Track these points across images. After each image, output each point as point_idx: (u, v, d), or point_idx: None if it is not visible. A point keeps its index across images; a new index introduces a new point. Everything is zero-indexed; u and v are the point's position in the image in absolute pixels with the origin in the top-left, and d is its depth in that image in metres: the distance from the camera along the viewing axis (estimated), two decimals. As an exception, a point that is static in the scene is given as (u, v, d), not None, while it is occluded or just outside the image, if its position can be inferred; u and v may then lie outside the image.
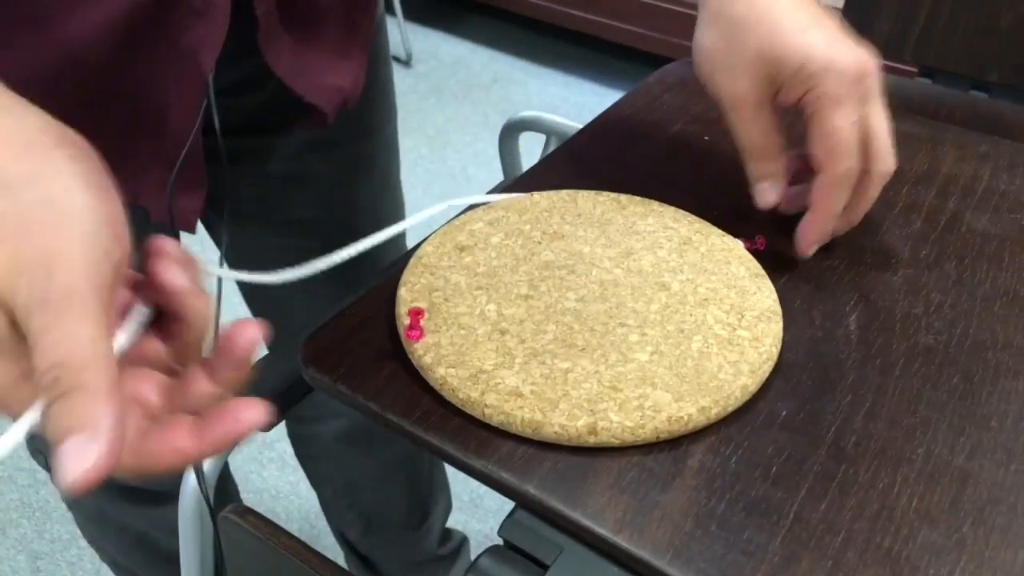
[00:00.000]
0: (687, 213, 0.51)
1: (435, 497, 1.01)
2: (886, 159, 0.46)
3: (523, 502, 0.38)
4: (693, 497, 0.37)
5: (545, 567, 0.36)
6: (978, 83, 1.05)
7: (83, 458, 0.25)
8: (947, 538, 0.36)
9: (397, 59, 2.39)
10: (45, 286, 0.26)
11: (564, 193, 0.53)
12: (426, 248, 0.48)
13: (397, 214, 0.78)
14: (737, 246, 0.49)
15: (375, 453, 0.92)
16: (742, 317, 0.44)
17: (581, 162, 0.58)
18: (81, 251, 0.27)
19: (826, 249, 0.51)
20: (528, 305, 0.44)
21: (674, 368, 0.41)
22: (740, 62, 0.46)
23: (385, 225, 0.83)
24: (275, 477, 1.35)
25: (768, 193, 0.49)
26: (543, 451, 0.39)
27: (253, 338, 0.30)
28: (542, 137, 0.73)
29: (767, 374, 0.42)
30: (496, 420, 0.39)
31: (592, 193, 0.53)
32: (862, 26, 1.09)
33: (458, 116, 2.20)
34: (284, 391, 0.49)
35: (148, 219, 0.55)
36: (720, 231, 0.50)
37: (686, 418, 0.39)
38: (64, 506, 1.29)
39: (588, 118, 0.63)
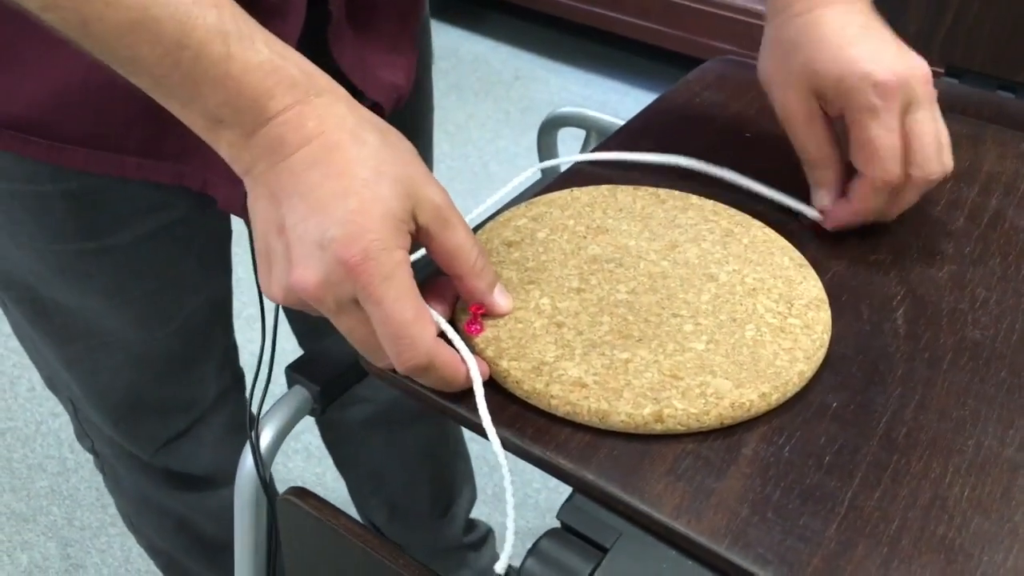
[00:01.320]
0: (726, 206, 0.52)
1: (459, 486, 1.02)
2: (925, 165, 0.47)
3: (581, 487, 0.38)
4: (748, 484, 0.38)
5: (604, 550, 0.36)
6: (1005, 83, 1.05)
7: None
8: (999, 527, 0.36)
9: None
10: (446, 201, 0.40)
11: (604, 188, 0.53)
12: None
13: None
14: (779, 238, 0.50)
15: (399, 439, 0.94)
16: (792, 306, 0.45)
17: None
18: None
19: (871, 245, 0.51)
20: (581, 298, 0.45)
21: (731, 356, 0.42)
22: (788, 79, 0.49)
23: None
24: (301, 468, 1.37)
25: (822, 198, 0.51)
26: (599, 438, 0.40)
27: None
28: (579, 133, 0.74)
29: (821, 360, 0.43)
30: (562, 411, 0.40)
31: (631, 188, 0.53)
32: (890, 25, 1.09)
33: (479, 113, 2.21)
34: (335, 378, 0.50)
35: (215, 205, 0.56)
36: (760, 223, 0.51)
37: (748, 404, 0.40)
38: (94, 495, 1.31)
39: (611, 116, 0.64)
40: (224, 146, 0.39)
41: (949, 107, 0.68)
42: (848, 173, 0.51)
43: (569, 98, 2.27)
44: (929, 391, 0.42)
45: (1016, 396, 0.42)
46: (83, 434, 0.78)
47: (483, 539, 1.09)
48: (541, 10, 2.40)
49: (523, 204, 0.52)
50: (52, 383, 0.74)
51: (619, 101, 2.23)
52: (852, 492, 0.38)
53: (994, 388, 0.43)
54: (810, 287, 0.46)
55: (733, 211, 0.52)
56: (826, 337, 0.44)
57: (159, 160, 0.54)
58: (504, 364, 0.41)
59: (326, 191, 0.37)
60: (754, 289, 0.46)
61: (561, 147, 0.77)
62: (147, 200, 0.58)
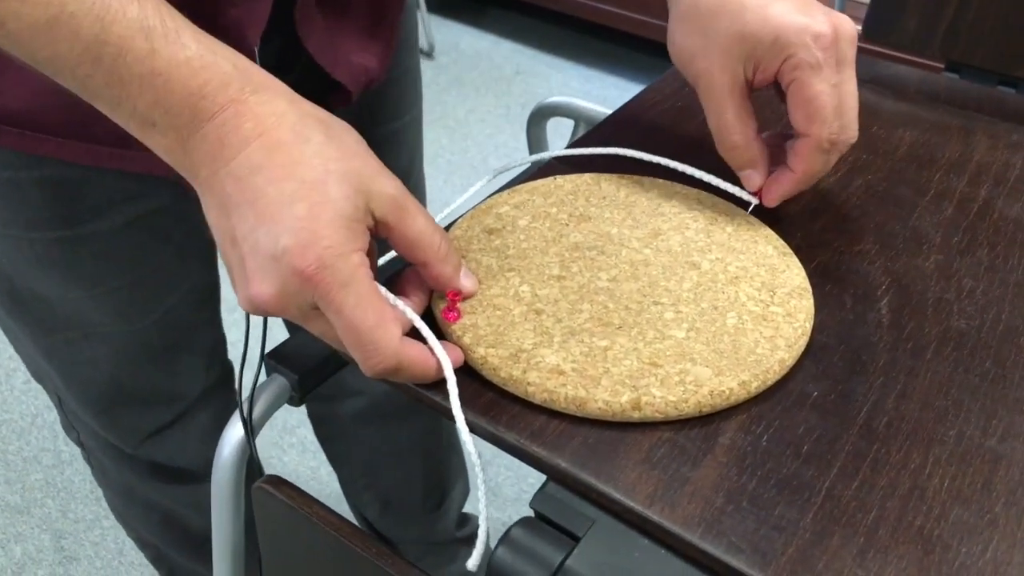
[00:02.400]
0: (710, 195, 0.51)
1: (452, 480, 1.02)
2: (851, 127, 0.45)
3: (555, 475, 0.38)
4: (724, 473, 0.37)
5: (577, 538, 0.36)
6: (1006, 79, 1.04)
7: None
8: (979, 518, 0.36)
9: (420, 51, 2.39)
10: (400, 190, 0.39)
11: (587, 176, 0.53)
12: (455, 232, 0.49)
13: (419, 194, 0.79)
14: (763, 227, 0.49)
15: (392, 433, 0.93)
16: (774, 294, 0.44)
17: (608, 147, 0.58)
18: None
19: (857, 234, 0.51)
20: (561, 285, 0.45)
21: (711, 344, 0.41)
22: (715, 47, 0.46)
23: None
24: (295, 462, 1.36)
25: (752, 178, 0.49)
26: (574, 426, 0.39)
27: None
28: (569, 124, 0.74)
29: (803, 349, 0.42)
30: (539, 398, 0.39)
31: (615, 176, 0.53)
32: (889, 19, 1.08)
33: (479, 108, 2.21)
34: (314, 367, 0.49)
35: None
36: (744, 211, 0.50)
37: (727, 392, 0.39)
38: (88, 487, 1.31)
39: (599, 106, 0.63)
40: (162, 151, 0.38)
41: (949, 102, 0.67)
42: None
43: (570, 93, 2.24)
44: (912, 381, 0.42)
45: (1000, 387, 0.42)
46: (69, 426, 0.78)
47: (476, 533, 1.09)
48: (543, 5, 2.39)
49: (505, 191, 0.52)
50: (37, 375, 0.74)
51: (619, 97, 2.22)
52: (830, 482, 0.37)
53: (978, 378, 0.42)
54: (793, 275, 0.46)
55: (718, 199, 0.51)
56: (808, 325, 0.43)
57: (133, 149, 0.54)
58: (481, 351, 0.41)
59: (272, 197, 0.35)
60: (736, 277, 0.45)
61: (556, 139, 0.77)
62: (123, 189, 0.57)
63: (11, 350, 1.54)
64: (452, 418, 0.39)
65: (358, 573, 0.41)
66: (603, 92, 2.26)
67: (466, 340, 0.41)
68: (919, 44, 1.08)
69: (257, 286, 0.36)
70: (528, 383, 0.40)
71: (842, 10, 1.35)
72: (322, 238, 0.35)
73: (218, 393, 0.78)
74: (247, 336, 0.50)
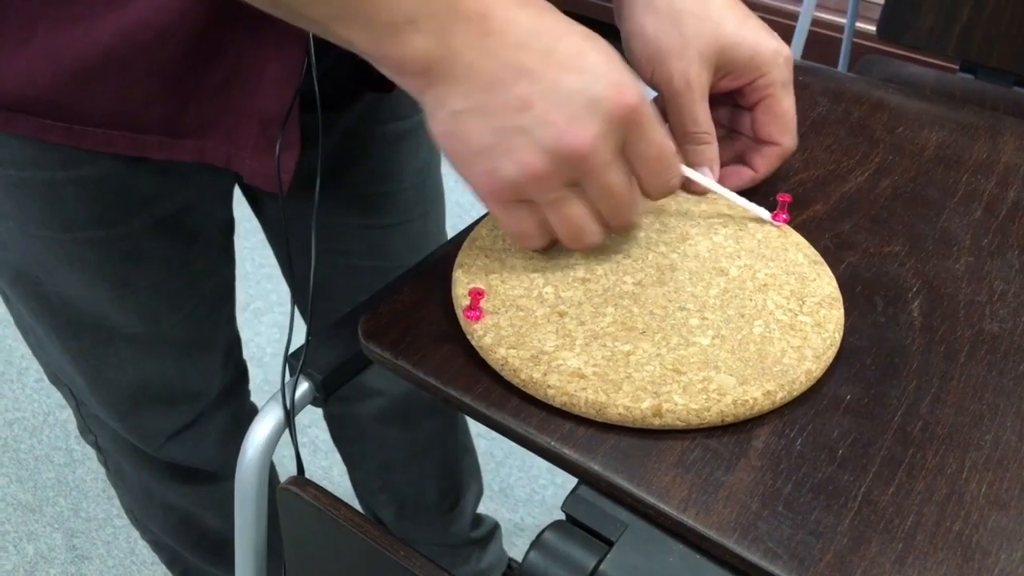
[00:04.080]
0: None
1: (467, 482, 1.02)
2: (795, 137, 0.51)
3: (587, 478, 0.37)
4: (759, 478, 0.37)
5: (610, 543, 0.36)
6: (1022, 79, 1.03)
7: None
8: (1018, 523, 0.35)
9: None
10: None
11: None
12: (480, 231, 0.48)
13: (438, 192, 0.79)
14: (794, 233, 0.49)
15: (409, 434, 0.93)
16: (803, 303, 0.44)
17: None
18: None
19: (887, 236, 0.50)
20: (586, 288, 0.44)
21: (736, 352, 0.41)
22: (692, 49, 0.48)
23: (428, 203, 0.83)
24: (307, 462, 1.36)
25: (708, 175, 0.51)
26: (604, 431, 0.39)
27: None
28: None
29: (831, 360, 0.42)
30: (559, 401, 0.39)
31: None
32: (903, 20, 1.08)
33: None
34: (338, 368, 0.49)
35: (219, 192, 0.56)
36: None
37: (751, 402, 0.39)
38: (100, 486, 1.31)
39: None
40: (415, 53, 0.37)
41: (965, 102, 0.67)
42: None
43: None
44: (945, 384, 0.41)
45: (1035, 390, 0.41)
46: (86, 429, 0.77)
47: (490, 534, 1.08)
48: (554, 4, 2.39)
49: None
50: (55, 377, 0.74)
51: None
52: (866, 487, 0.37)
53: (1012, 382, 0.42)
54: (824, 284, 0.45)
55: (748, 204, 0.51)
56: (837, 336, 0.43)
57: (181, 138, 0.53)
58: (502, 352, 0.40)
59: (564, 52, 0.38)
60: (765, 285, 0.45)
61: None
62: (156, 186, 0.57)
63: (23, 349, 1.55)
64: (486, 421, 0.39)
65: (384, 574, 0.40)
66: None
67: (487, 340, 0.41)
68: (934, 44, 1.07)
69: (578, 131, 0.38)
70: (548, 386, 0.39)
71: (855, 10, 1.35)
72: (629, 81, 0.38)
73: (235, 393, 0.78)
74: (292, 322, 0.50)
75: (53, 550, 1.23)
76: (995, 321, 0.45)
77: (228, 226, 0.69)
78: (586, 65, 0.38)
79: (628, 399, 0.38)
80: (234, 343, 0.77)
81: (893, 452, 0.38)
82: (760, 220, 0.49)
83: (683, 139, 0.50)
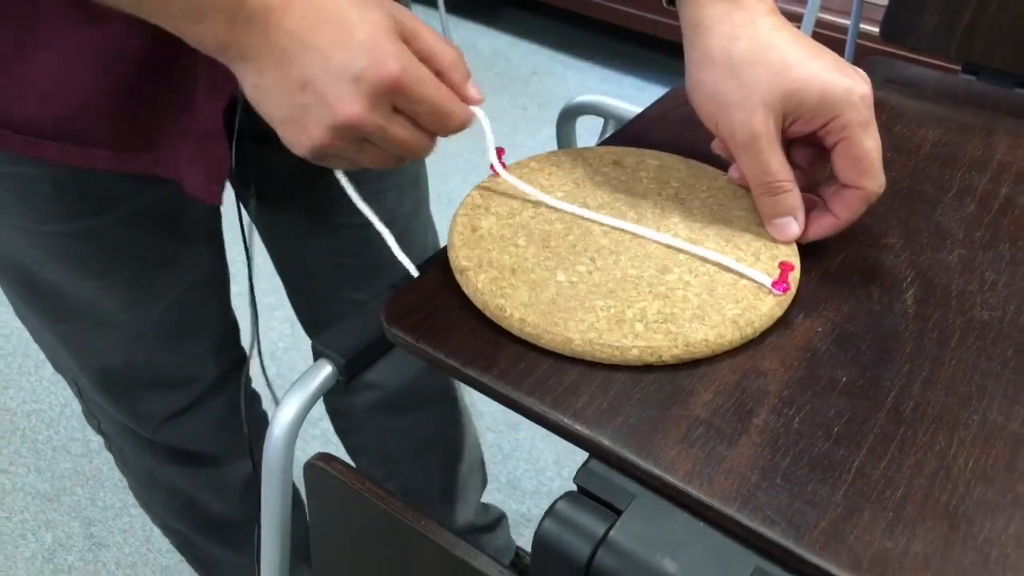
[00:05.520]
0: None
1: (470, 472, 1.04)
2: (881, 178, 0.48)
3: (597, 452, 0.40)
4: (759, 453, 0.39)
5: (619, 512, 0.38)
6: (1023, 80, 1.05)
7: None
8: (1002, 496, 0.38)
9: (438, 50, 2.41)
10: (405, 12, 0.45)
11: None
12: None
13: (422, 196, 0.81)
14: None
15: (408, 425, 0.95)
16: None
17: (639, 145, 0.60)
18: None
19: (883, 229, 0.53)
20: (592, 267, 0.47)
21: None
22: (754, 98, 0.47)
23: (410, 205, 0.86)
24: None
25: (791, 227, 0.49)
26: (615, 407, 0.41)
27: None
28: (599, 123, 0.76)
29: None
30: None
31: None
32: (907, 21, 1.10)
33: (496, 107, 2.23)
34: (362, 351, 0.51)
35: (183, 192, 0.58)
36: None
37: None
38: (116, 475, 1.34)
39: (630, 104, 0.65)
40: (212, 40, 0.42)
41: (967, 103, 0.69)
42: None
43: (587, 94, 2.28)
44: (937, 368, 0.44)
45: (1022, 374, 0.44)
46: (90, 415, 0.80)
47: (496, 522, 1.11)
48: (559, 6, 2.41)
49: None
50: (56, 364, 0.76)
51: (636, 97, 2.24)
52: (859, 461, 0.39)
53: (1000, 366, 0.44)
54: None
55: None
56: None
57: (130, 152, 0.56)
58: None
59: (331, 35, 0.41)
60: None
61: (580, 138, 0.79)
62: (129, 183, 0.60)
63: (39, 342, 1.58)
64: (495, 396, 0.41)
65: (409, 545, 0.43)
66: (620, 92, 2.27)
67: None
68: (937, 46, 1.09)
69: (345, 107, 0.42)
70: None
71: (859, 12, 1.36)
72: (389, 51, 0.42)
73: (232, 379, 0.79)
74: (254, 329, 0.52)
75: (71, 538, 1.26)
76: (985, 309, 0.47)
77: (212, 217, 0.70)
78: (349, 45, 0.41)
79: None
80: (229, 330, 0.78)
81: (886, 430, 0.40)
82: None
83: (759, 189, 0.49)
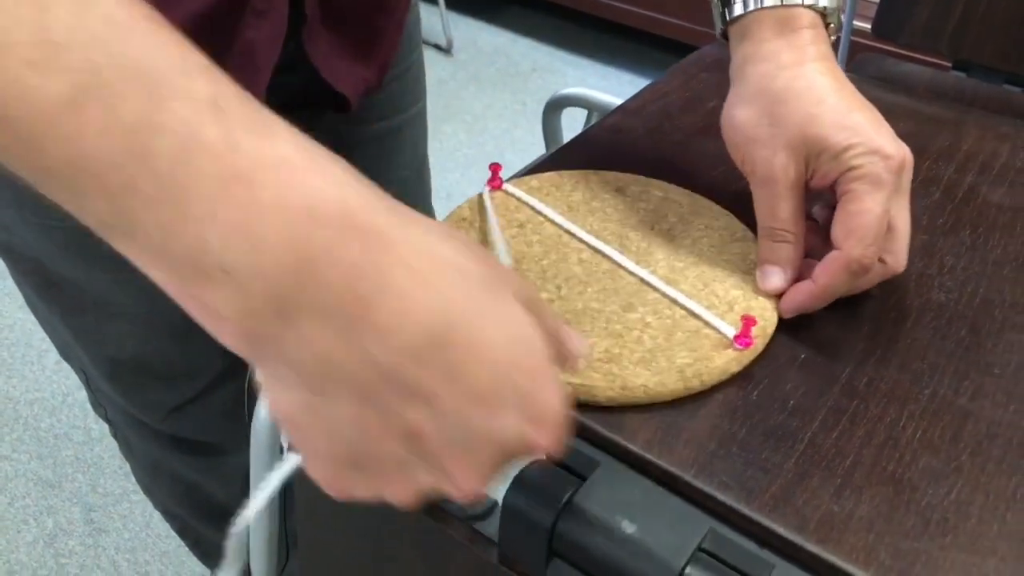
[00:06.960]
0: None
1: None
2: (900, 256, 0.46)
3: (564, 423, 0.42)
4: (717, 424, 0.41)
5: (583, 478, 0.40)
6: (1012, 77, 1.07)
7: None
8: (946, 465, 0.40)
9: (438, 47, 2.44)
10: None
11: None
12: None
13: (424, 191, 0.83)
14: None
15: None
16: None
17: (619, 136, 0.62)
18: None
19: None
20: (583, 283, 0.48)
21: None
22: (780, 137, 0.45)
23: (414, 199, 0.87)
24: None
25: (775, 278, 0.46)
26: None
27: None
28: (583, 114, 0.78)
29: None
30: None
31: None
32: (898, 18, 1.12)
33: (496, 104, 2.25)
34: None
35: None
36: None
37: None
38: (117, 463, 1.37)
39: (612, 96, 0.67)
40: (232, 318, 0.26)
41: (956, 100, 0.71)
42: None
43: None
44: (892, 346, 0.46)
45: (973, 352, 0.46)
46: (97, 403, 0.81)
47: (489, 510, 1.12)
48: (559, 3, 2.43)
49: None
50: (65, 353, 0.77)
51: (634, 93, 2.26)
52: (812, 432, 0.41)
53: (954, 344, 0.46)
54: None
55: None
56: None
57: None
58: None
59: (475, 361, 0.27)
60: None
61: (568, 130, 0.81)
62: None
63: (42, 332, 1.60)
64: None
65: (395, 536, 0.45)
66: (619, 88, 2.29)
67: None
68: (928, 43, 1.11)
69: (468, 483, 0.30)
70: None
71: (853, 9, 1.38)
72: (544, 384, 0.31)
73: (239, 370, 0.81)
74: None
75: (72, 523, 1.29)
76: (942, 291, 0.49)
77: None
78: (499, 387, 0.28)
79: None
80: None
81: (839, 403, 0.43)
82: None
83: (763, 231, 0.47)
